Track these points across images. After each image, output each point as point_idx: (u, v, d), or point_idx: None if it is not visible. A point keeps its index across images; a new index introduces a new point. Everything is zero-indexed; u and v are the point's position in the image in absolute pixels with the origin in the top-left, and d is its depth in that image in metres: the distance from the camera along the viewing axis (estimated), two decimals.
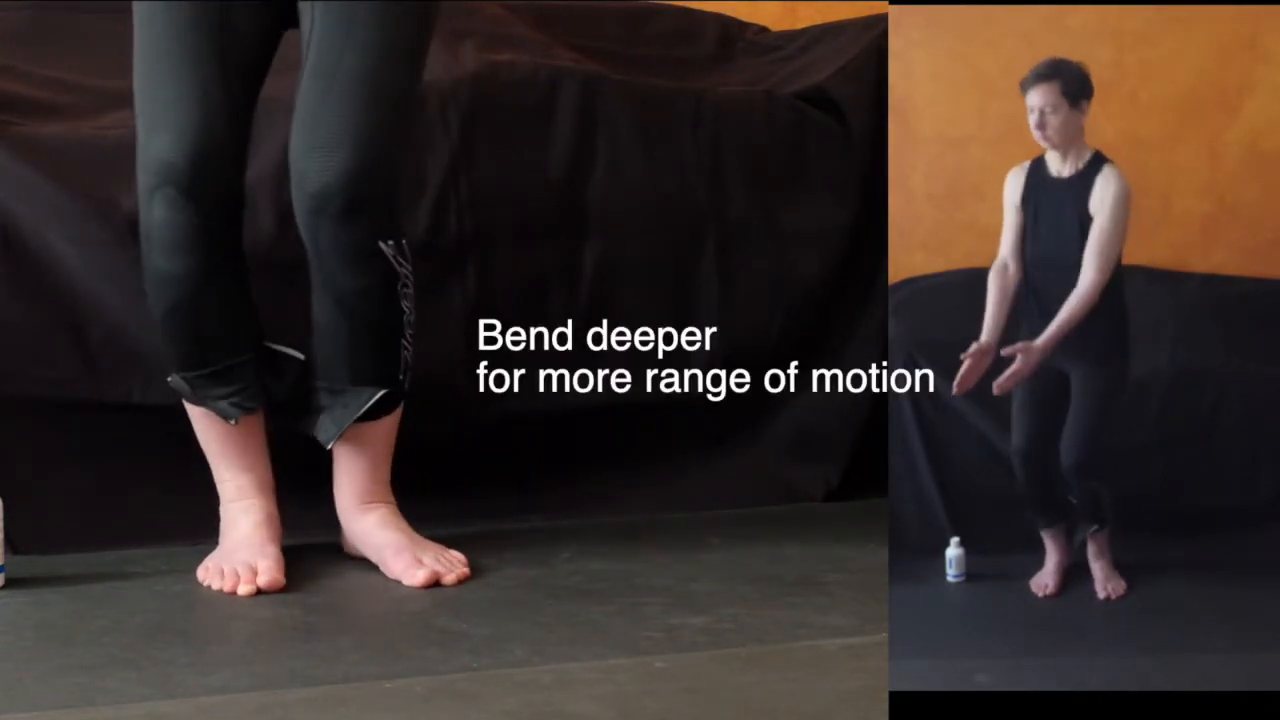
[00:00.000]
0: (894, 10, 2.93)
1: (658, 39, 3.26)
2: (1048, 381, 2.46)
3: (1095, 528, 2.50)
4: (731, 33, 3.36)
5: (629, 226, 2.81)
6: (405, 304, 2.36)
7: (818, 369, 2.96)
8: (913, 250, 2.98)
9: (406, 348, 2.38)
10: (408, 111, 2.37)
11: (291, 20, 2.38)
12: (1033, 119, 2.43)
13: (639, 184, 2.83)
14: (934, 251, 2.99)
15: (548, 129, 2.78)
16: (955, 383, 2.41)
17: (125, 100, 2.67)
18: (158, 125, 2.28)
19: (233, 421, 2.37)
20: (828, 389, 2.96)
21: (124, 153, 2.53)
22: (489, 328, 2.71)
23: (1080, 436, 2.44)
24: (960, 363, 2.73)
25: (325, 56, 2.29)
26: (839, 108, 2.98)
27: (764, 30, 3.42)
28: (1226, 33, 2.94)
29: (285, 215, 2.58)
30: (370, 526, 2.39)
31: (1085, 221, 2.43)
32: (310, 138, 2.28)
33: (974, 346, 2.41)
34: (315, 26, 2.30)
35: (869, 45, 3.05)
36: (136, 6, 2.33)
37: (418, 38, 2.36)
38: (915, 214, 3.00)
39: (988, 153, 2.96)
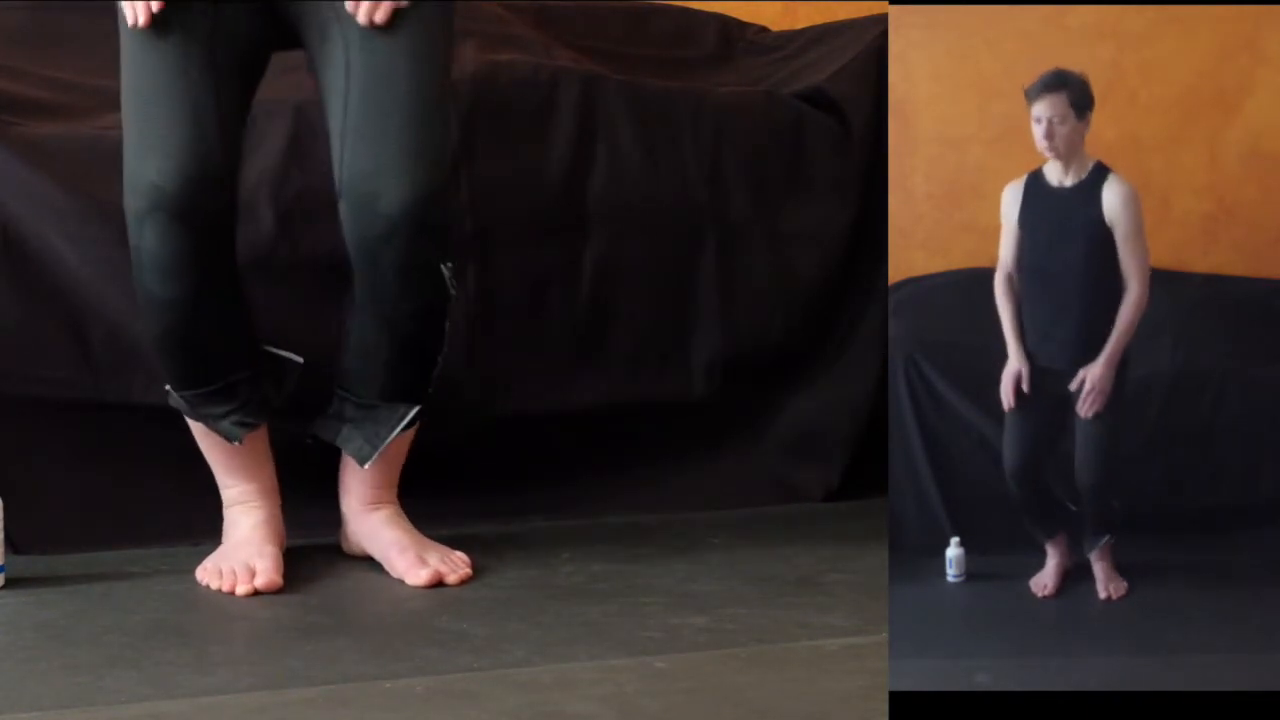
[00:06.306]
0: (894, 10, 2.93)
1: (658, 39, 3.26)
2: (1041, 400, 2.46)
3: (1107, 538, 2.50)
4: (731, 33, 3.36)
5: (629, 226, 2.81)
6: (448, 324, 2.33)
7: (818, 369, 2.97)
8: (913, 250, 2.98)
9: (439, 364, 2.36)
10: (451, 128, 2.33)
11: (291, 40, 2.34)
12: (1040, 129, 2.41)
13: (639, 184, 2.82)
14: (934, 251, 2.99)
15: (548, 129, 2.78)
16: (1006, 407, 2.45)
17: None
18: (147, 148, 2.21)
19: (236, 443, 2.35)
20: (828, 389, 2.96)
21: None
22: (489, 327, 2.72)
23: (1098, 458, 2.44)
24: (960, 362, 2.74)
25: (378, 75, 2.23)
26: (839, 108, 2.98)
27: (764, 30, 3.43)
28: (1226, 33, 2.95)
29: (284, 216, 2.58)
30: (376, 524, 2.40)
31: (1094, 230, 2.42)
32: (378, 158, 2.22)
33: (1012, 372, 2.43)
34: (357, 43, 2.24)
35: (869, 45, 3.05)
36: (123, 28, 2.27)
37: (449, 47, 2.35)
38: (915, 214, 3.00)
39: (988, 153, 2.97)
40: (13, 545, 2.37)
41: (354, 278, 2.30)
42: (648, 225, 2.83)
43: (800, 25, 3.42)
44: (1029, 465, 2.47)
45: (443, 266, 2.27)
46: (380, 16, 2.23)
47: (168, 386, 2.35)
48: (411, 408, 2.36)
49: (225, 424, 2.34)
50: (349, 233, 2.25)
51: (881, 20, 3.06)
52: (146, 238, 2.21)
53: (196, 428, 2.38)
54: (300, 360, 2.40)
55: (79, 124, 2.60)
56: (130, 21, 2.23)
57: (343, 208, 2.25)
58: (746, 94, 2.98)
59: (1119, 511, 2.50)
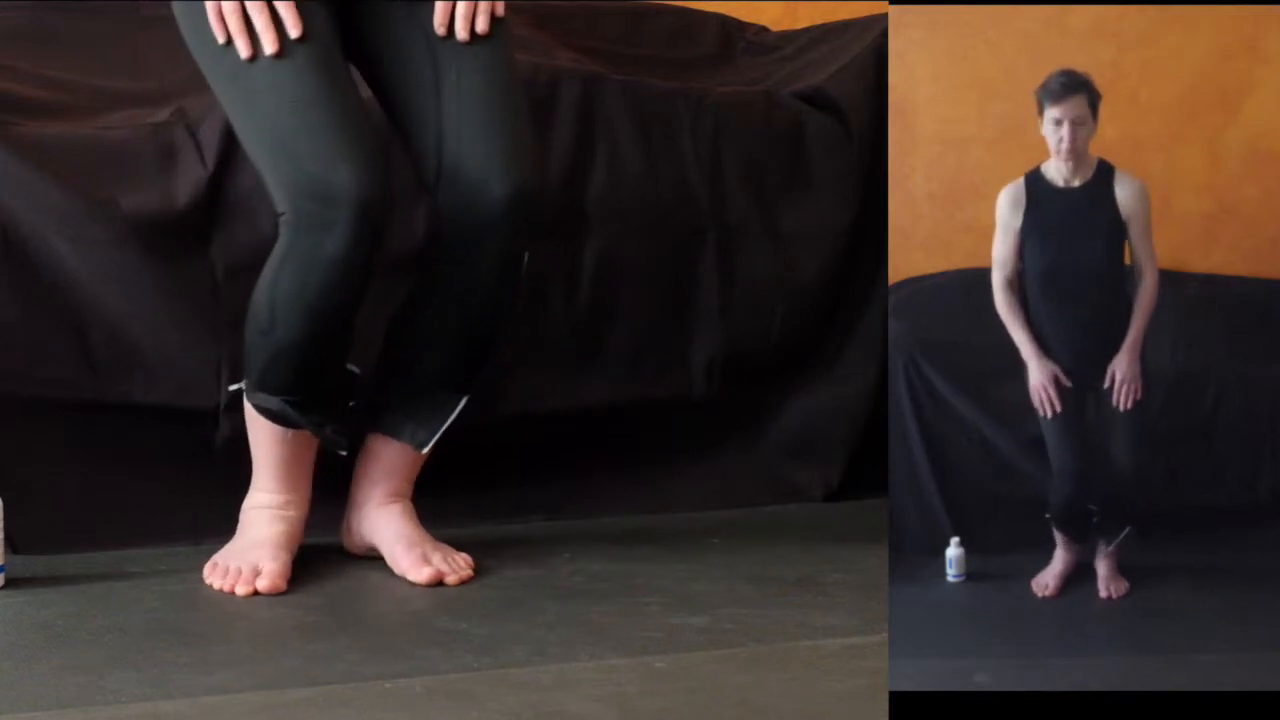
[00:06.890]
0: (894, 10, 2.93)
1: (658, 39, 3.26)
2: (1082, 399, 2.47)
3: (1128, 530, 2.50)
4: (731, 33, 3.36)
5: (629, 226, 2.81)
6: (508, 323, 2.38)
7: (818, 369, 2.97)
8: (913, 250, 2.98)
9: (493, 359, 2.40)
10: None
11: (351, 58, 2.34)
12: (1062, 131, 2.41)
13: (639, 184, 2.82)
14: (934, 251, 2.99)
15: (548, 129, 2.78)
16: (1049, 416, 2.45)
17: (126, 100, 2.68)
18: (331, 155, 2.13)
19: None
20: (828, 389, 2.96)
21: (125, 153, 2.54)
22: None
23: (1138, 441, 2.46)
24: (960, 362, 2.74)
25: (473, 69, 2.25)
26: (839, 108, 2.98)
27: (764, 30, 3.42)
28: (1226, 33, 2.95)
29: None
30: (388, 517, 2.39)
31: (1112, 227, 2.43)
32: (488, 146, 2.23)
33: (1045, 378, 2.43)
34: (446, 42, 2.25)
35: (869, 45, 3.05)
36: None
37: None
38: (915, 214, 3.00)
39: (988, 153, 2.97)
40: (13, 545, 2.37)
41: (435, 267, 2.30)
42: (648, 225, 2.83)
43: (800, 25, 3.42)
44: (1083, 466, 2.47)
45: (527, 255, 2.30)
46: (481, 24, 2.26)
47: (236, 387, 2.34)
48: (464, 397, 2.38)
49: (328, 432, 2.33)
50: (450, 219, 2.25)
51: (881, 20, 3.06)
52: (330, 246, 2.14)
53: (257, 425, 2.34)
54: (359, 371, 2.40)
55: (79, 124, 2.59)
56: (247, 54, 2.17)
57: (442, 196, 2.25)
58: (746, 94, 2.98)
59: (1137, 509, 2.51)
